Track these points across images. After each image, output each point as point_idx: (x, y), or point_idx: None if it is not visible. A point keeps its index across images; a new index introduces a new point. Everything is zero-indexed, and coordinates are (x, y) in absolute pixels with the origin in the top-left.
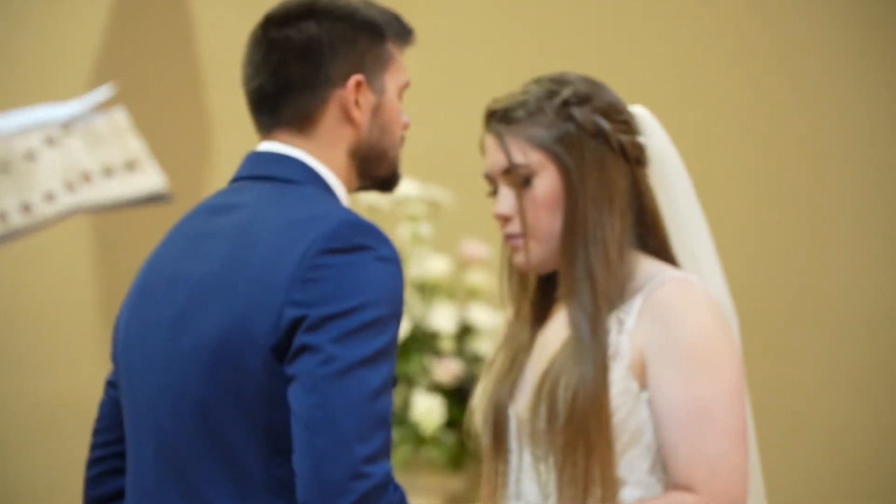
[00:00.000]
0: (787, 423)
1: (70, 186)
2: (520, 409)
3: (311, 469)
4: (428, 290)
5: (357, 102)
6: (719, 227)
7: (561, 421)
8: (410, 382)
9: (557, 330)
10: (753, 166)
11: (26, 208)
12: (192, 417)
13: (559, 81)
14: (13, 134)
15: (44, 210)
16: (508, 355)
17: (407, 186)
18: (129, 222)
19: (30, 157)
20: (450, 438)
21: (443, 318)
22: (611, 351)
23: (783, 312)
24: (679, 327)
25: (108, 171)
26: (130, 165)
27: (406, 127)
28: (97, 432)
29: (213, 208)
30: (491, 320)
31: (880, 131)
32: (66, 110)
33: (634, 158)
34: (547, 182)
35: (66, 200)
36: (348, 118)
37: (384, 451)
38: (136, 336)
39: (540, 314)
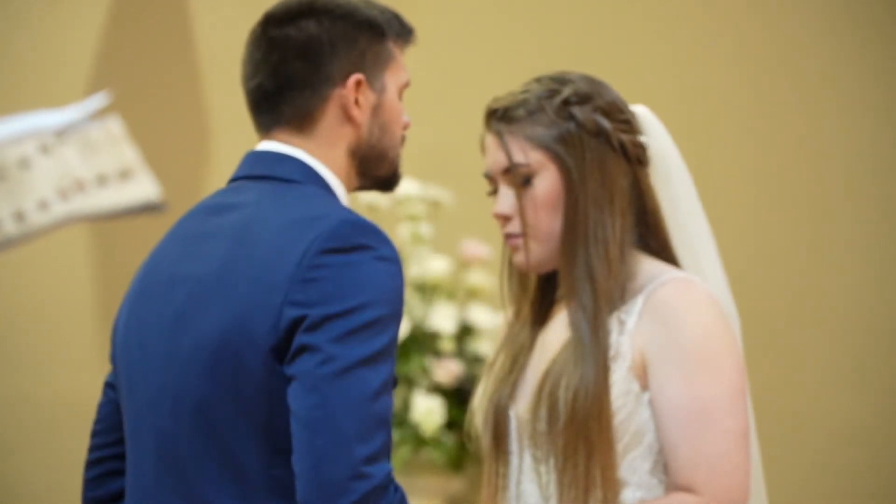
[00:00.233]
0: (787, 423)
1: (64, 195)
2: (520, 410)
3: (311, 469)
4: (428, 291)
5: (357, 101)
6: (719, 226)
7: (562, 422)
8: (410, 383)
9: (558, 330)
10: (753, 166)
11: (20, 216)
12: (191, 418)
13: (560, 80)
14: (7, 142)
15: (37, 219)
16: (509, 356)
17: (407, 186)
18: (128, 222)
19: (24, 164)
20: (450, 439)
21: (443, 319)
22: (612, 352)
23: (783, 312)
24: (680, 327)
25: (102, 180)
26: (124, 174)
27: (406, 126)
28: (96, 434)
29: (212, 208)
30: (491, 321)
31: (880, 131)
32: (61, 118)
33: (635, 158)
34: (547, 181)
35: (59, 209)
36: (348, 117)
37: (384, 452)
38: (135, 336)
39: (540, 315)
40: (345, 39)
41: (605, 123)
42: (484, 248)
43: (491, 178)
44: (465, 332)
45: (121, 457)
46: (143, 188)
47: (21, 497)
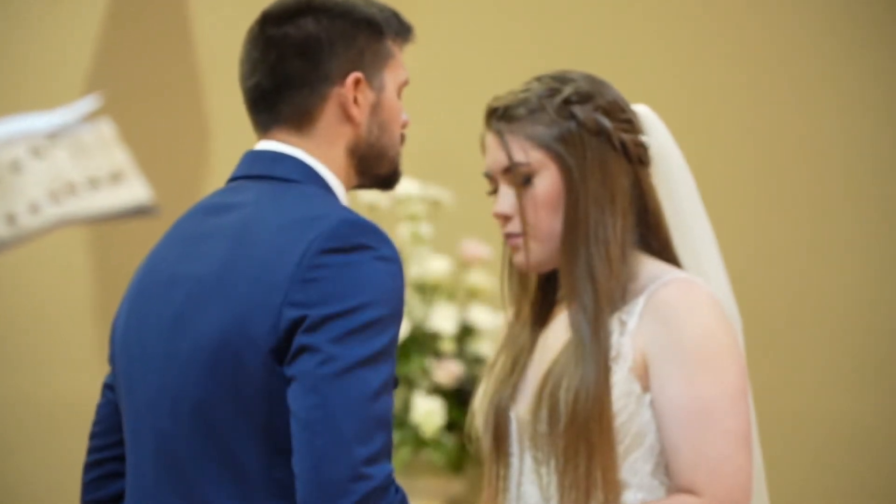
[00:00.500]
0: (787, 423)
1: (55, 198)
2: (521, 411)
3: (311, 470)
4: (428, 291)
5: (356, 100)
6: (719, 226)
7: (562, 423)
8: (410, 384)
9: (559, 331)
10: (754, 166)
11: (10, 219)
12: (191, 418)
13: (561, 79)
14: None
15: (28, 222)
16: (509, 357)
17: (407, 186)
18: (127, 222)
19: (15, 167)
20: (450, 441)
21: (443, 319)
22: (613, 353)
23: (783, 312)
24: (681, 328)
25: (93, 183)
26: (116, 177)
27: (405, 125)
28: (94, 436)
29: (211, 208)
30: (492, 321)
31: (880, 131)
32: (52, 121)
33: (637, 157)
34: (547, 181)
35: (51, 212)
36: (347, 116)
37: (385, 453)
38: (134, 337)
39: (541, 315)
40: (343, 38)
41: (607, 123)
42: (484, 248)
43: (491, 177)
44: (466, 332)
45: (120, 458)
46: (135, 191)
47: (21, 497)
